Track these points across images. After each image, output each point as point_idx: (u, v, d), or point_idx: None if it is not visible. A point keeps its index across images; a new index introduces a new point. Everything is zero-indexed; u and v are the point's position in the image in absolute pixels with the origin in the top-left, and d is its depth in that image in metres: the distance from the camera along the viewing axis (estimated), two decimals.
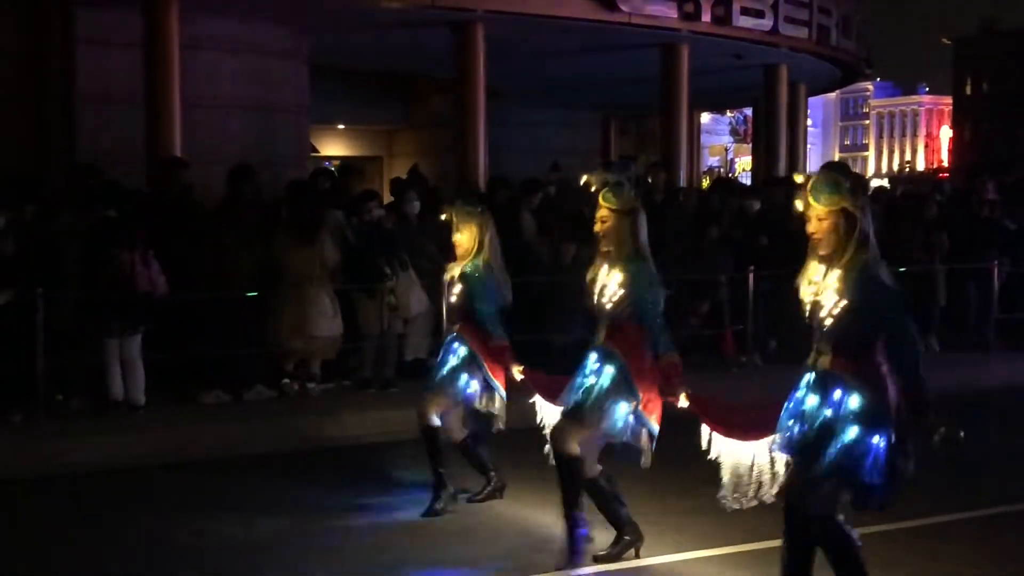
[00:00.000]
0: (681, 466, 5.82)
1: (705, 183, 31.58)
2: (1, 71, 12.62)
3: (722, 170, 68.89)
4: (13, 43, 12.68)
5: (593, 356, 6.07)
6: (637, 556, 6.16)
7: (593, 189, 6.05)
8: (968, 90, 78.22)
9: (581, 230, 11.38)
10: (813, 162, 75.82)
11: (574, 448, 5.99)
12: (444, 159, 16.54)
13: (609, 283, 6.00)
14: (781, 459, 5.07)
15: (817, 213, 4.71)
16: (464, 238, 7.08)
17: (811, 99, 26.76)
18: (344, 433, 9.34)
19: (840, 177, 4.73)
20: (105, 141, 12.34)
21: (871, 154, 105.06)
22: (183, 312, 9.75)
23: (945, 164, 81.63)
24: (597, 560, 6.12)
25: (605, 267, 6.08)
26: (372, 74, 18.82)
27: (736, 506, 5.22)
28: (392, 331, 10.52)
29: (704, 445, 5.43)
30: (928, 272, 12.35)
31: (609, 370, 5.94)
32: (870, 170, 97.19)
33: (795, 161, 20.96)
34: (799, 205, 4.82)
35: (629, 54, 16.62)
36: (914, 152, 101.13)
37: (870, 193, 15.17)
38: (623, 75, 18.60)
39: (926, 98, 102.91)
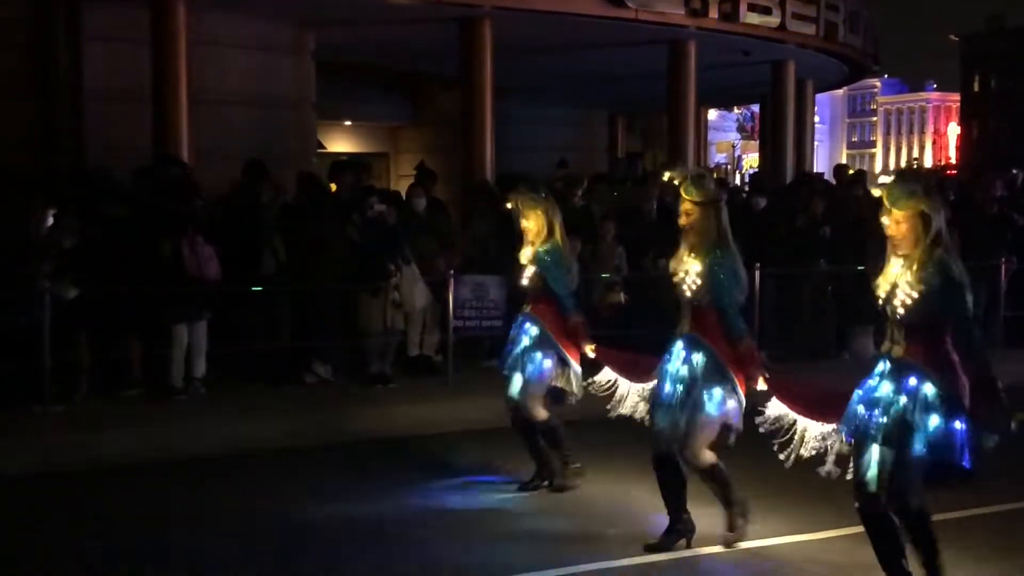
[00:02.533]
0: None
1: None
2: (8, 67, 12.64)
3: (729, 167, 68.85)
4: (20, 39, 12.70)
5: (679, 344, 6.28)
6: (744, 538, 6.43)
7: (676, 183, 6.23)
8: (976, 87, 78.02)
9: (585, 227, 11.41)
10: (820, 159, 75.78)
11: (708, 457, 6.24)
12: (451, 156, 16.52)
13: (691, 271, 6.19)
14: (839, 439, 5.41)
15: (896, 218, 5.09)
16: (532, 224, 7.31)
17: (818, 96, 26.71)
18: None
19: (913, 184, 5.11)
20: (112, 137, 12.34)
21: (878, 151, 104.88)
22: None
23: (953, 161, 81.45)
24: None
25: (689, 257, 6.25)
26: (379, 70, 18.83)
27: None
28: (395, 327, 10.51)
29: (772, 417, 5.84)
30: None
31: (699, 358, 6.16)
32: (877, 167, 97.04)
33: (802, 158, 20.94)
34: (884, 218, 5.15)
35: (636, 51, 16.60)
36: (922, 149, 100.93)
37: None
38: (630, 72, 18.57)
39: (933, 95, 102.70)
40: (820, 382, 6.04)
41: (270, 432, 9.09)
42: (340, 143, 21.77)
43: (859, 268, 11.32)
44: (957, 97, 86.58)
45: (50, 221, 9.07)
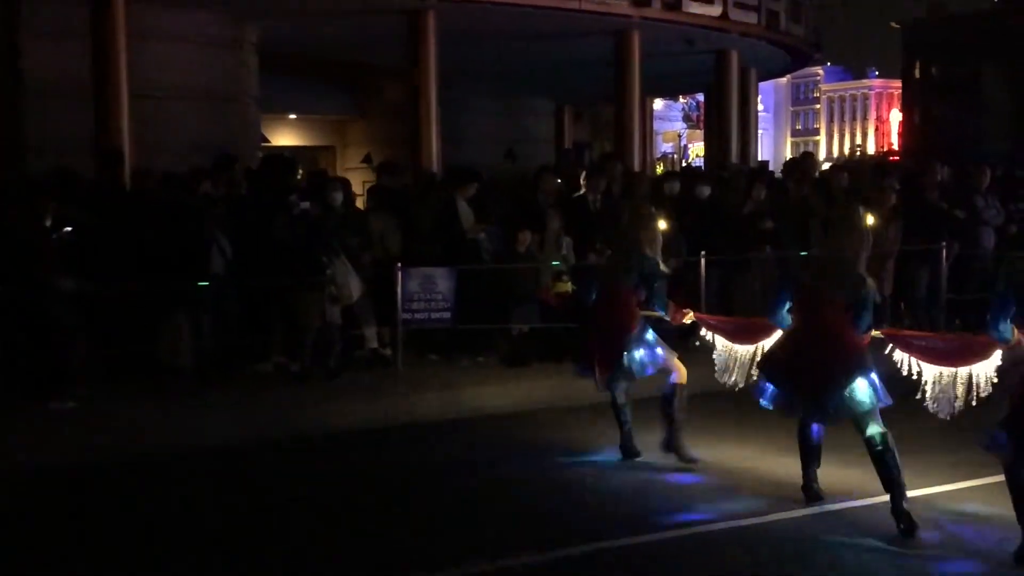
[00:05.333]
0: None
1: (659, 169, 31.79)
2: None
3: (675, 156, 69.25)
4: None
5: None
6: None
7: None
8: (917, 73, 78.94)
9: (536, 218, 11.43)
10: (765, 147, 76.06)
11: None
12: (398, 148, 16.50)
13: None
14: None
15: None
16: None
17: (762, 84, 26.96)
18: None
19: None
20: (53, 133, 12.19)
21: (822, 138, 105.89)
22: None
23: (896, 147, 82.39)
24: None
25: None
26: (324, 63, 18.72)
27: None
28: (333, 321, 10.44)
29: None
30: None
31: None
32: (821, 154, 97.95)
33: (747, 146, 21.11)
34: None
35: (581, 41, 16.65)
36: (864, 136, 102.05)
37: (819, 174, 15.33)
38: (576, 62, 18.63)
39: (876, 82, 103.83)
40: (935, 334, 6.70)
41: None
42: (286, 137, 21.66)
43: (802, 253, 11.45)
44: (899, 84, 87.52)
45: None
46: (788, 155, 76.15)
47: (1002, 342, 5.97)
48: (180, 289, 9.76)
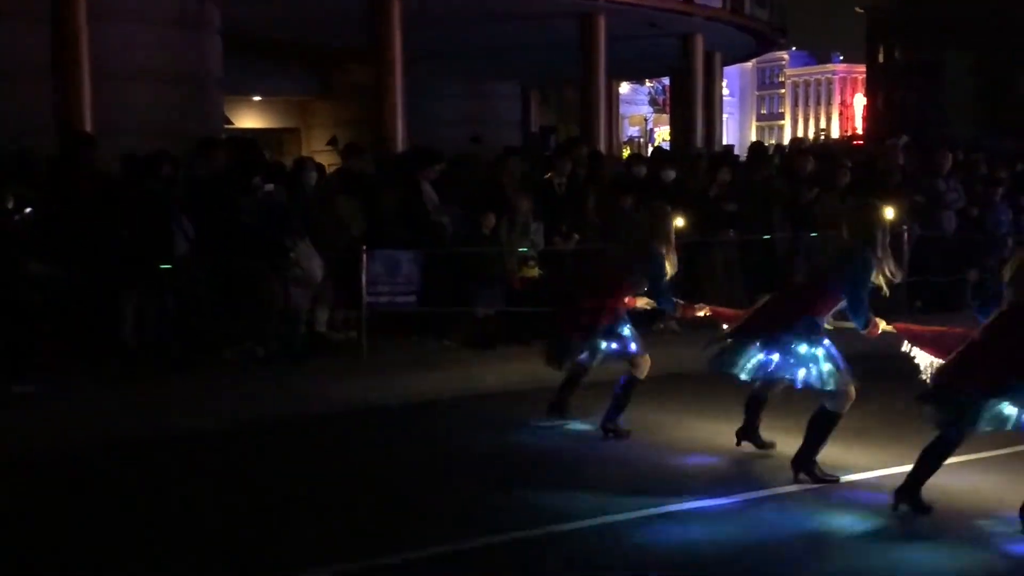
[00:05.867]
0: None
1: (625, 153, 31.85)
2: None
3: (642, 140, 69.41)
4: None
5: None
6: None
7: None
8: (881, 58, 79.40)
9: (502, 201, 11.41)
10: (730, 131, 76.19)
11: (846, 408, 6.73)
12: (362, 129, 16.45)
13: None
14: None
15: None
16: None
17: (728, 69, 27.08)
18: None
19: None
20: (14, 114, 12.06)
21: (787, 123, 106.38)
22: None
23: (859, 131, 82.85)
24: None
25: None
26: (288, 44, 18.63)
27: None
28: (299, 304, 10.37)
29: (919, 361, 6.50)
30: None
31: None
32: (786, 138, 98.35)
33: (712, 130, 21.19)
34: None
35: (547, 23, 16.64)
36: (829, 120, 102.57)
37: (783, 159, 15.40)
38: (541, 45, 18.62)
39: (840, 67, 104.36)
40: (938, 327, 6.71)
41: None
42: (249, 119, 21.54)
43: (765, 237, 11.51)
44: (863, 69, 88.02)
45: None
46: (753, 139, 76.44)
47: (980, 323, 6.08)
48: (144, 272, 9.67)
